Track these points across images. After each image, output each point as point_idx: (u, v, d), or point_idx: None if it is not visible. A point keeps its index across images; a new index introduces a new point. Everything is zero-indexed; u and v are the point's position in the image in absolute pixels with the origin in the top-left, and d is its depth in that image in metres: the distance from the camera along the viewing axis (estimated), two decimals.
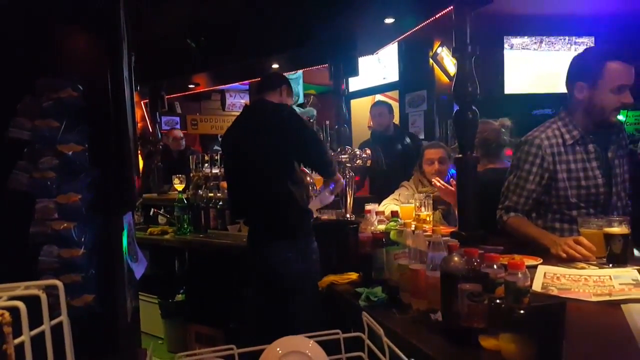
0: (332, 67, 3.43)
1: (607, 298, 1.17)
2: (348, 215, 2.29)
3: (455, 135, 2.30)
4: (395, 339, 1.10)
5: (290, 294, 2.22)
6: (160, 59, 3.62)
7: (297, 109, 5.14)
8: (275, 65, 3.99)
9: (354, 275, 1.74)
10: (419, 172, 2.89)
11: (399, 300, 1.39)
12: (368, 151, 2.37)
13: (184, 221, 3.33)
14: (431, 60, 4.85)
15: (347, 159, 2.29)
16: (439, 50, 4.74)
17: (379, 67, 5.45)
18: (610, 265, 1.49)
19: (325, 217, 2.45)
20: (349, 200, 2.32)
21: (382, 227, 1.88)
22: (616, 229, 1.51)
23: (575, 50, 4.91)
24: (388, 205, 2.60)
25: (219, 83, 5.86)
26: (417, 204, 2.30)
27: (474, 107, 1.90)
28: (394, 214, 1.93)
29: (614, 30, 4.56)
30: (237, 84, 7.16)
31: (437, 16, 2.73)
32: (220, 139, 3.32)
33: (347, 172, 2.31)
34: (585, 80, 1.83)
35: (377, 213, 1.98)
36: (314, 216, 2.41)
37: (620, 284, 1.28)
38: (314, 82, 6.17)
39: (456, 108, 1.99)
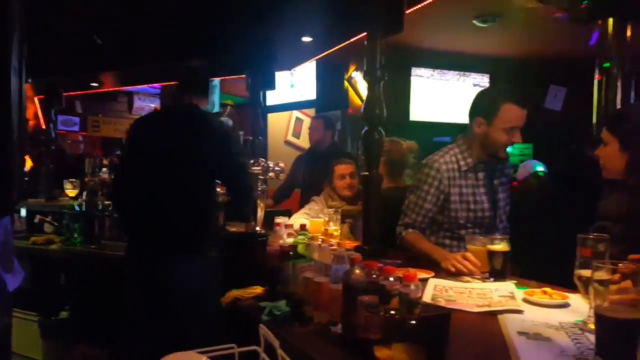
0: (249, 79, 3.42)
1: (487, 309, 1.29)
2: (258, 228, 2.28)
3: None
4: (294, 352, 1.12)
5: (182, 311, 2.05)
6: (62, 52, 3.35)
7: None
8: None
9: (259, 289, 1.73)
10: (329, 187, 2.98)
11: (302, 313, 1.41)
12: (282, 164, 2.39)
13: (74, 230, 3.02)
14: (346, 82, 5.06)
15: (260, 171, 2.29)
16: (354, 74, 4.98)
17: (296, 84, 5.55)
18: (492, 279, 1.65)
19: (233, 229, 2.42)
20: (260, 213, 2.32)
21: (290, 240, 1.91)
22: (498, 247, 1.68)
23: (476, 86, 5.41)
24: (298, 219, 2.64)
25: (126, 84, 5.57)
26: (326, 219, 2.37)
27: (380, 129, 2.01)
28: (303, 228, 1.97)
29: (508, 71, 5.12)
30: (147, 86, 6.85)
31: (351, 40, 2.86)
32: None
33: (259, 184, 2.31)
34: (483, 116, 2.02)
35: (286, 226, 2.01)
36: (222, 228, 2.37)
37: (499, 296, 1.43)
38: (232, 93, 6.11)
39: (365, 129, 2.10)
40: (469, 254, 1.78)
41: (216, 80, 5.12)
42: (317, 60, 4.70)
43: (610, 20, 3.37)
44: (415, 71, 5.40)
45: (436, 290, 1.50)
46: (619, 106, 3.28)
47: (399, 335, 1.05)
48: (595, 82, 3.49)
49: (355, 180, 2.87)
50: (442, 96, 5.46)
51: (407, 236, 2.11)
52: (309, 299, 1.41)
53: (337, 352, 1.17)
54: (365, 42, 2.06)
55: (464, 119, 2.17)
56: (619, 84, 3.36)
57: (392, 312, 1.12)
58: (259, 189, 2.28)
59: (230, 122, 4.56)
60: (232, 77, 4.46)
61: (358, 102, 4.97)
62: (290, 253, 1.62)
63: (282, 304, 1.49)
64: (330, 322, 1.29)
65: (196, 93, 2.25)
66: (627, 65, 3.36)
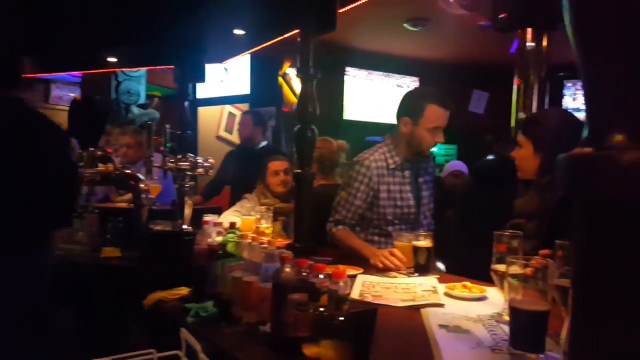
0: (177, 70, 3.28)
1: (411, 303, 1.34)
2: (185, 226, 2.19)
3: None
4: (220, 354, 1.09)
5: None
6: None
7: (138, 110, 4.81)
8: (112, 59, 3.65)
9: (184, 290, 1.66)
10: (262, 184, 2.94)
11: (230, 314, 1.38)
12: (211, 160, 2.31)
13: None
14: (281, 79, 5.02)
15: (188, 167, 2.20)
16: (288, 70, 4.95)
17: (229, 78, 5.42)
18: (417, 274, 1.72)
19: (158, 227, 2.31)
20: (187, 211, 2.23)
21: (219, 239, 1.85)
22: (422, 243, 1.75)
23: (406, 86, 5.59)
24: (228, 216, 2.58)
25: (42, 71, 5.14)
26: (258, 216, 2.33)
27: (313, 126, 2.01)
28: (233, 226, 1.92)
29: (436, 74, 5.33)
30: (66, 74, 6.36)
31: (285, 36, 2.84)
32: None
33: (186, 180, 2.21)
34: (410, 116, 2.10)
35: (215, 224, 1.95)
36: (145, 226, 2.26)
37: (422, 290, 1.48)
38: (160, 84, 5.86)
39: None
40: (395, 250, 1.83)
41: (142, 71, 4.86)
42: (251, 54, 4.63)
43: (529, 30, 3.63)
44: (349, 71, 5.48)
45: (364, 286, 1.53)
46: (535, 110, 3.54)
47: (327, 332, 1.06)
48: (514, 87, 3.75)
49: (290, 177, 2.86)
50: (374, 96, 5.60)
51: (337, 233, 2.14)
52: (237, 298, 1.37)
53: (265, 351, 1.15)
54: (299, 39, 2.05)
55: (395, 119, 2.23)
56: (535, 90, 3.63)
57: (321, 309, 1.12)
58: (187, 185, 2.19)
59: (157, 115, 4.37)
60: (159, 67, 4.26)
61: (292, 98, 4.96)
62: (219, 252, 1.58)
63: (209, 304, 1.44)
64: (259, 321, 1.27)
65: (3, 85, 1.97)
66: (543, 72, 3.64)
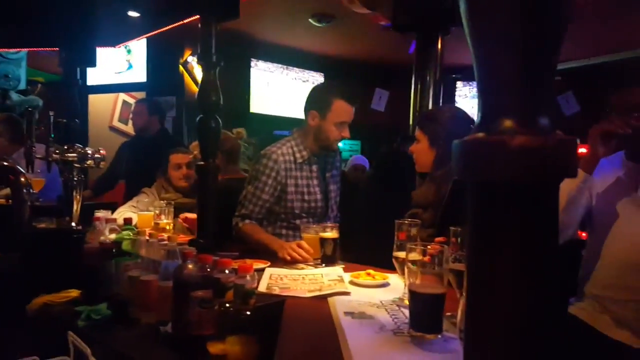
0: (62, 53, 2.96)
1: (318, 293, 1.35)
2: (73, 224, 2.00)
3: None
4: (118, 357, 1.01)
5: None
6: None
7: (17, 96, 4.28)
8: None
9: (74, 293, 1.52)
10: (163, 178, 2.79)
11: (126, 315, 1.29)
12: (102, 151, 2.13)
13: None
14: (181, 67, 4.80)
15: (76, 158, 2.00)
16: (190, 58, 4.75)
17: (124, 63, 5.04)
18: (324, 265, 1.74)
19: (42, 225, 2.08)
20: (76, 207, 2.03)
21: (113, 236, 1.72)
22: (329, 234, 1.78)
23: (312, 82, 5.65)
24: (123, 212, 2.41)
25: None
26: (157, 212, 2.20)
27: (217, 116, 1.94)
28: (128, 222, 1.79)
29: (340, 71, 5.46)
30: None
31: (185, 21, 2.70)
32: None
33: (74, 173, 2.01)
34: (317, 110, 2.12)
35: (107, 221, 1.81)
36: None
37: (329, 280, 1.51)
38: (44, 69, 5.28)
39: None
40: (303, 242, 1.85)
41: (22, 53, 4.34)
42: (148, 40, 4.35)
43: (425, 32, 3.86)
44: (255, 63, 5.41)
45: (272, 279, 1.51)
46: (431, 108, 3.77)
47: (233, 327, 1.03)
48: (413, 87, 3.97)
49: (192, 171, 2.74)
50: (281, 90, 5.58)
51: (244, 227, 2.10)
52: (134, 299, 1.29)
53: (167, 353, 1.09)
54: (200, 26, 1.96)
55: (302, 113, 2.23)
56: (431, 89, 3.87)
57: (227, 305, 1.09)
58: (75, 179, 1.99)
59: (40, 102, 3.94)
60: (42, 49, 3.82)
61: (194, 88, 4.77)
62: (113, 250, 1.47)
63: (102, 307, 1.33)
64: (160, 322, 1.20)
65: None
66: (437, 74, 3.89)
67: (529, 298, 0.41)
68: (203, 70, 1.99)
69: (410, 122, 3.95)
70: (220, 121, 1.98)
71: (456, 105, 5.70)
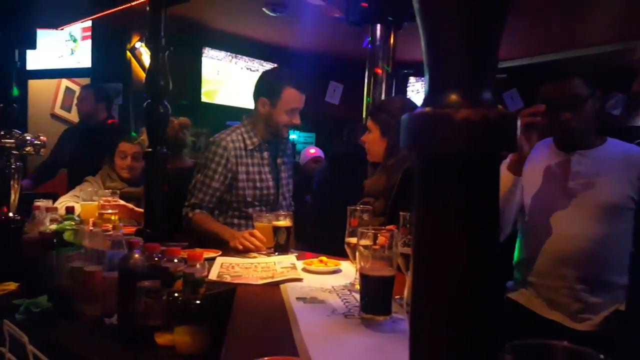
0: None
1: (270, 280, 1.35)
2: (10, 214, 1.88)
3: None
4: (59, 353, 0.97)
5: None
6: None
7: None
8: None
9: (12, 286, 1.44)
10: (109, 166, 2.68)
11: (69, 308, 1.23)
12: (43, 137, 2.01)
13: None
14: (129, 53, 4.62)
15: (14, 145, 1.88)
16: (138, 44, 4.57)
17: (67, 47, 4.78)
18: (277, 253, 1.73)
19: None
20: (13, 196, 1.91)
21: (54, 226, 1.64)
22: (282, 222, 1.77)
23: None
24: (65, 202, 2.29)
25: None
26: (102, 201, 2.11)
27: (165, 102, 1.88)
28: (70, 211, 1.70)
29: (295, 63, 5.42)
30: None
31: (132, 4, 2.59)
32: None
33: (12, 160, 1.89)
34: (267, 97, 2.09)
35: (48, 210, 1.71)
36: None
37: (281, 267, 1.50)
38: None
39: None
40: (255, 231, 1.82)
41: None
42: (94, 24, 4.15)
43: (378, 26, 3.91)
44: (208, 52, 5.28)
45: (222, 267, 1.49)
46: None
47: (182, 317, 1.01)
48: (366, 80, 4.01)
49: (139, 164, 2.65)
50: (234, 80, 5.48)
51: (194, 217, 2.05)
52: (78, 291, 1.24)
53: (112, 345, 1.06)
54: (148, 8, 1.89)
55: (253, 99, 2.20)
56: (384, 83, 3.93)
57: (176, 294, 1.07)
58: (13, 166, 1.88)
59: None
60: None
61: (142, 75, 4.59)
62: (54, 241, 1.40)
63: (42, 299, 1.27)
64: (105, 313, 1.16)
65: None
66: (390, 68, 3.96)
67: (474, 267, 0.43)
68: (151, 55, 1.92)
69: (364, 114, 4.00)
70: (169, 107, 1.92)
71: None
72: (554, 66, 5.22)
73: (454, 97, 0.43)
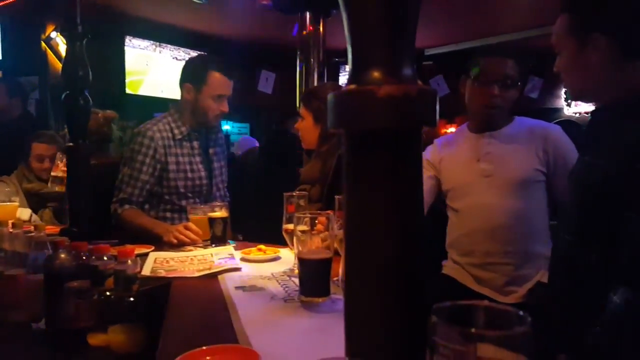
0: None
1: (207, 272, 1.32)
2: None
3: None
4: None
5: None
6: None
7: None
8: None
9: None
10: (24, 166, 2.49)
11: None
12: None
13: None
14: (44, 44, 4.29)
15: None
16: (53, 34, 4.26)
17: None
18: (214, 245, 1.70)
19: None
20: None
21: None
22: (218, 213, 1.73)
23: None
24: None
25: None
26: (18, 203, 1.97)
27: (86, 93, 1.77)
28: None
29: (225, 51, 5.29)
30: None
31: None
32: None
33: None
34: (192, 83, 2.03)
35: None
36: None
37: (219, 259, 1.48)
38: None
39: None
40: (190, 224, 1.77)
41: None
42: (3, 12, 3.81)
43: (307, 14, 3.91)
44: (131, 41, 5.02)
45: (156, 263, 1.44)
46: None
47: (115, 316, 0.97)
48: (298, 69, 4.01)
49: (63, 163, 2.48)
50: (160, 70, 5.27)
51: (123, 213, 1.95)
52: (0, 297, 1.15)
53: (42, 351, 1.01)
54: None
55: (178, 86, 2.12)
56: (315, 71, 3.95)
57: (107, 293, 1.02)
58: None
59: None
60: None
61: (60, 67, 4.30)
62: None
63: None
64: (31, 318, 1.09)
65: None
66: (321, 56, 3.98)
67: (401, 234, 0.45)
68: (67, 43, 1.80)
69: (297, 103, 4.00)
70: (90, 99, 1.81)
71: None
72: (477, 52, 5.49)
73: (376, 74, 0.45)
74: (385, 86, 0.43)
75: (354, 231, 0.46)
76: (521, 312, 0.41)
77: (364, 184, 0.45)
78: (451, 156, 1.83)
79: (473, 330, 0.37)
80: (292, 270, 1.35)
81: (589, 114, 1.32)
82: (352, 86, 0.45)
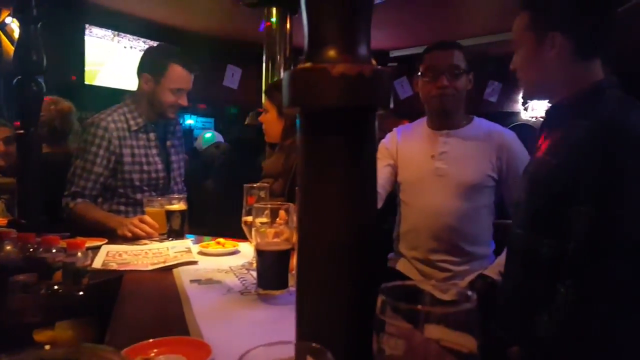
0: None
1: (162, 265, 1.28)
2: None
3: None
4: None
5: None
6: None
7: None
8: None
9: None
10: None
11: None
12: None
13: None
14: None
15: None
16: (8, 20, 4.06)
17: None
18: (170, 238, 1.65)
19: None
20: None
21: None
22: (175, 207, 1.68)
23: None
24: None
25: None
26: None
27: (39, 79, 1.69)
28: None
29: (191, 45, 5.16)
30: None
31: None
32: None
33: None
34: (151, 74, 1.96)
35: None
36: None
37: (175, 252, 1.44)
38: None
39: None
40: (146, 217, 1.71)
41: None
42: None
43: (274, 10, 3.88)
44: (91, 30, 4.84)
45: (108, 256, 1.38)
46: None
47: (63, 311, 0.93)
48: (264, 64, 3.97)
49: (13, 148, 2.36)
50: (121, 61, 5.10)
51: (75, 207, 1.87)
52: None
53: None
54: None
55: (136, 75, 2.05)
56: (282, 67, 3.92)
57: (55, 287, 0.98)
58: None
59: None
60: None
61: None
62: None
63: None
64: None
65: None
66: (287, 52, 3.95)
67: (353, 214, 0.44)
68: (21, 25, 1.71)
69: (263, 99, 3.96)
70: (44, 85, 1.72)
71: None
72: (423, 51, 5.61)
73: (331, 52, 0.44)
74: (339, 65, 0.42)
75: (306, 209, 0.45)
76: (469, 292, 0.41)
77: (317, 163, 0.44)
78: (408, 148, 1.86)
79: (419, 307, 0.37)
80: (250, 263, 1.33)
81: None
82: (307, 64, 0.44)
